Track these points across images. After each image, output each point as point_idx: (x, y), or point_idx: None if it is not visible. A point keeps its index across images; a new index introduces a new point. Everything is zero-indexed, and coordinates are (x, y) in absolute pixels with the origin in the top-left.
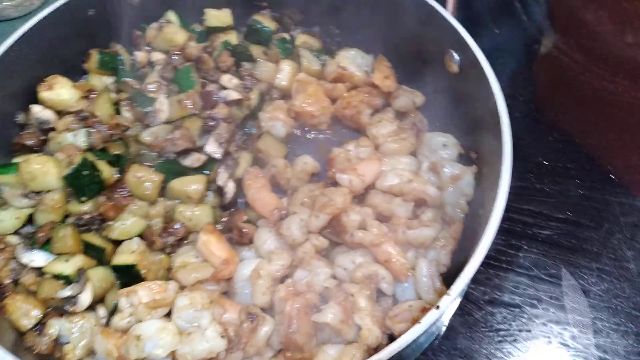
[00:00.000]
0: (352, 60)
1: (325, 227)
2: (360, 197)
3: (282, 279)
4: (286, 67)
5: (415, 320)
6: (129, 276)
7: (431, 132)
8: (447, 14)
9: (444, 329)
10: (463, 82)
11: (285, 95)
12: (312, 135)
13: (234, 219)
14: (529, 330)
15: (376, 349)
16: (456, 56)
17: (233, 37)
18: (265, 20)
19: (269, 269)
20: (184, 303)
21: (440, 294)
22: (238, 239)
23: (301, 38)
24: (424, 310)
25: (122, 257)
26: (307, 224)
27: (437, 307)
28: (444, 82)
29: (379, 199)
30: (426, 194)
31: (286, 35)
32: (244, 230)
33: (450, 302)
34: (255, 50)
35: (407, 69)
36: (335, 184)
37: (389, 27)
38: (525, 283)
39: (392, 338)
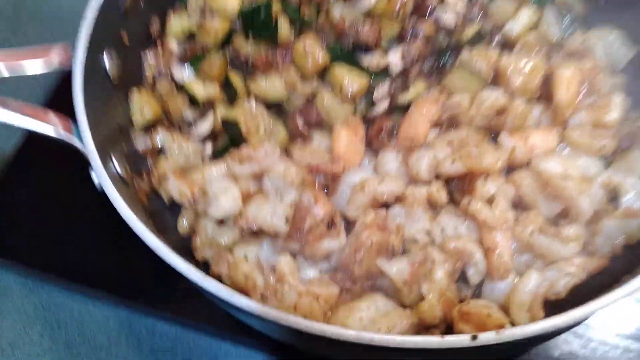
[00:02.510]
0: (605, 45)
1: (455, 179)
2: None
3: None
4: (525, 15)
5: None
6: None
7: None
8: None
9: None
10: None
11: (505, 45)
12: None
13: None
14: None
15: (427, 329)
16: None
17: None
18: None
19: (376, 187)
20: (279, 170)
21: (533, 318)
22: (376, 141)
23: None
24: (499, 326)
25: (233, 112)
26: (438, 165)
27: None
28: None
29: (528, 181)
30: (579, 205)
31: None
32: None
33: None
34: None
35: None
36: (496, 137)
37: None
38: None
39: (448, 328)
